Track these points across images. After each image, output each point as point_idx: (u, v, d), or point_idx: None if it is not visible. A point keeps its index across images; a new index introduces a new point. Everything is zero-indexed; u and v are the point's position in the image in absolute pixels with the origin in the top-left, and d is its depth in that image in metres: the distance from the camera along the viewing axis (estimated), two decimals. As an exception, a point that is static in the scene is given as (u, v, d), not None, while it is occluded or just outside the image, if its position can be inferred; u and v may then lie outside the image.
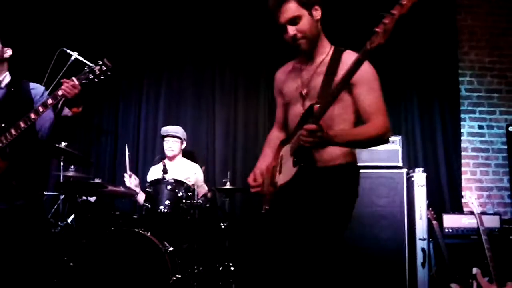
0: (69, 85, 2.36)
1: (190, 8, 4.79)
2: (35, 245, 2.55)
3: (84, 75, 2.41)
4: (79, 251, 3.27)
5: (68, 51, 3.69)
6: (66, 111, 2.51)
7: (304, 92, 2.06)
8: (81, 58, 3.75)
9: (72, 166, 3.78)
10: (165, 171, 3.51)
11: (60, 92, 2.37)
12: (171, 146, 4.15)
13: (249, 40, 4.71)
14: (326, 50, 2.07)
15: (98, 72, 2.41)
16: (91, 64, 2.49)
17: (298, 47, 2.04)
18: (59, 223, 3.50)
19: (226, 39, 4.76)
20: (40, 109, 2.41)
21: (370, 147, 2.08)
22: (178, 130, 4.20)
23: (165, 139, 4.18)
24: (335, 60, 1.99)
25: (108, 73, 2.43)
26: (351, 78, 1.79)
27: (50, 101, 2.40)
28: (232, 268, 3.60)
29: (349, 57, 1.96)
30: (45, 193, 4.00)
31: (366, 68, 1.95)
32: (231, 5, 4.77)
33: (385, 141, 1.99)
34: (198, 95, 4.77)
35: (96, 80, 2.42)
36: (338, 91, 1.81)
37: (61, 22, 4.64)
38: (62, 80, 2.41)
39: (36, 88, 2.66)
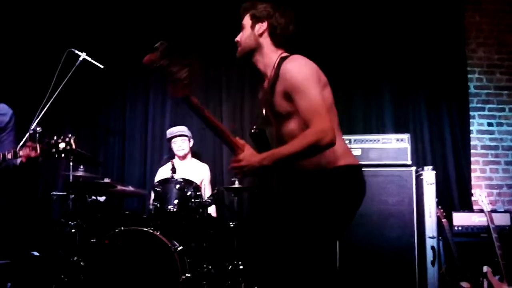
0: (31, 153, 2.53)
1: (196, 7, 4.80)
2: None
3: (47, 146, 2.56)
4: (89, 250, 3.28)
5: (76, 51, 3.71)
6: (18, 161, 2.66)
7: (264, 112, 2.06)
8: (89, 59, 3.78)
9: (81, 166, 3.80)
10: (173, 170, 3.52)
11: (21, 153, 2.56)
12: (181, 145, 4.16)
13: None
14: (272, 63, 2.01)
15: (61, 149, 2.54)
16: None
17: None
18: (69, 222, 3.51)
19: (232, 37, 4.74)
20: None
21: (311, 155, 1.84)
22: (183, 128, 4.22)
23: (173, 140, 4.19)
24: (276, 74, 1.92)
25: (69, 153, 2.56)
26: (272, 93, 1.88)
27: (9, 155, 2.58)
28: (241, 267, 3.60)
29: (285, 66, 1.90)
30: (55, 193, 4.03)
31: (292, 73, 1.88)
32: (237, 4, 4.75)
33: (326, 145, 1.79)
34: (204, 94, 4.76)
35: (56, 155, 2.55)
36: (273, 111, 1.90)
37: (69, 23, 4.67)
38: (27, 144, 2.59)
39: (4, 115, 2.77)
